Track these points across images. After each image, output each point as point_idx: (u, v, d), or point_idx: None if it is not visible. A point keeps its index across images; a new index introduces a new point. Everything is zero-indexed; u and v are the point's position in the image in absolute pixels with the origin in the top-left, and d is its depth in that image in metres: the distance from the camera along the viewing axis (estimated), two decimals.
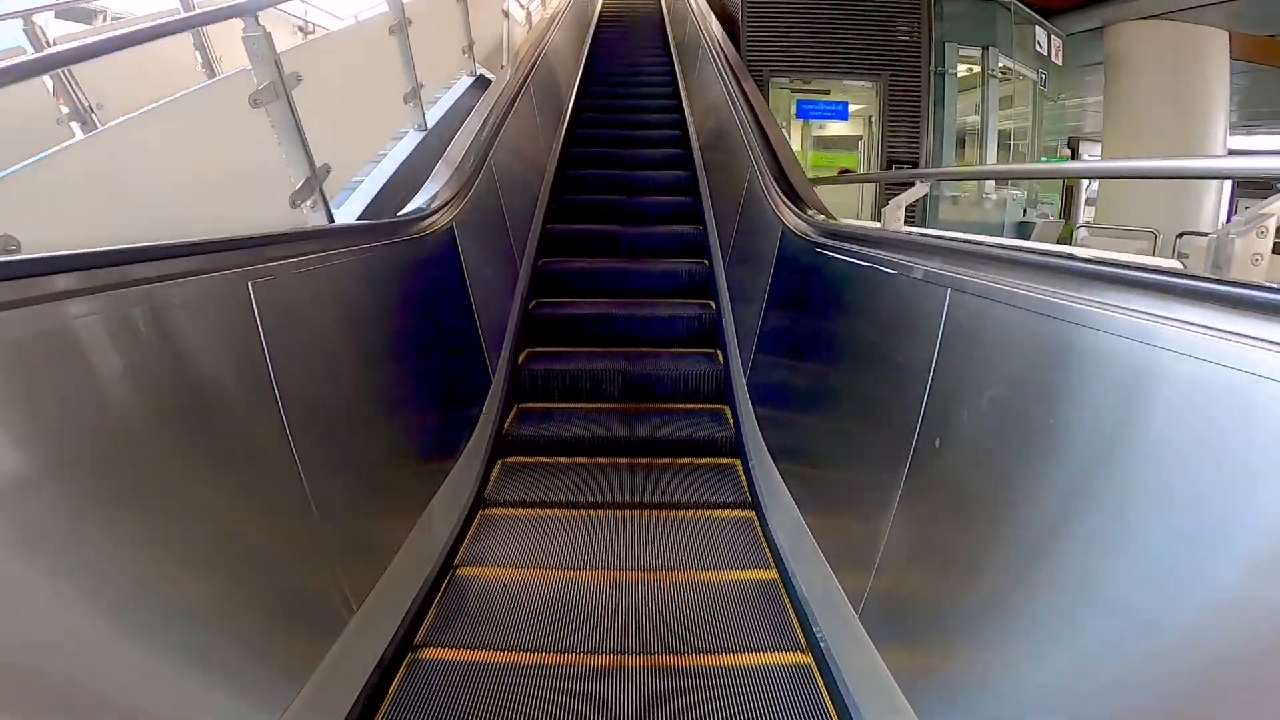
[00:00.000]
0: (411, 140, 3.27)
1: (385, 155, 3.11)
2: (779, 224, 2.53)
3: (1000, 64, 6.28)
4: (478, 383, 2.65)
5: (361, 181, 2.94)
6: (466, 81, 4.27)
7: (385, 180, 2.87)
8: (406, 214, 2.23)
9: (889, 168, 6.00)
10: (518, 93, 3.93)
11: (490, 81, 4.24)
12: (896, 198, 2.31)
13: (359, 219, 2.65)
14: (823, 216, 2.29)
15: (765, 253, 2.69)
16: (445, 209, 2.43)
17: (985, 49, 6.24)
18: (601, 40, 7.90)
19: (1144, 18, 7.49)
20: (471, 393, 2.58)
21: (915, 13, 6.02)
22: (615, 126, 5.49)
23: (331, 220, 2.40)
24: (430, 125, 3.44)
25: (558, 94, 5.42)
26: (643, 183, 4.67)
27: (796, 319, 2.31)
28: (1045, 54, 6.90)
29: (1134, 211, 7.18)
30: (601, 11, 9.13)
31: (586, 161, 4.93)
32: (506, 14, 5.25)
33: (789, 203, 2.51)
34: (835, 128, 8.40)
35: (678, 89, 6.15)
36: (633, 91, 6.29)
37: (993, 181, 6.33)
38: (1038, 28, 6.80)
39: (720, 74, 4.40)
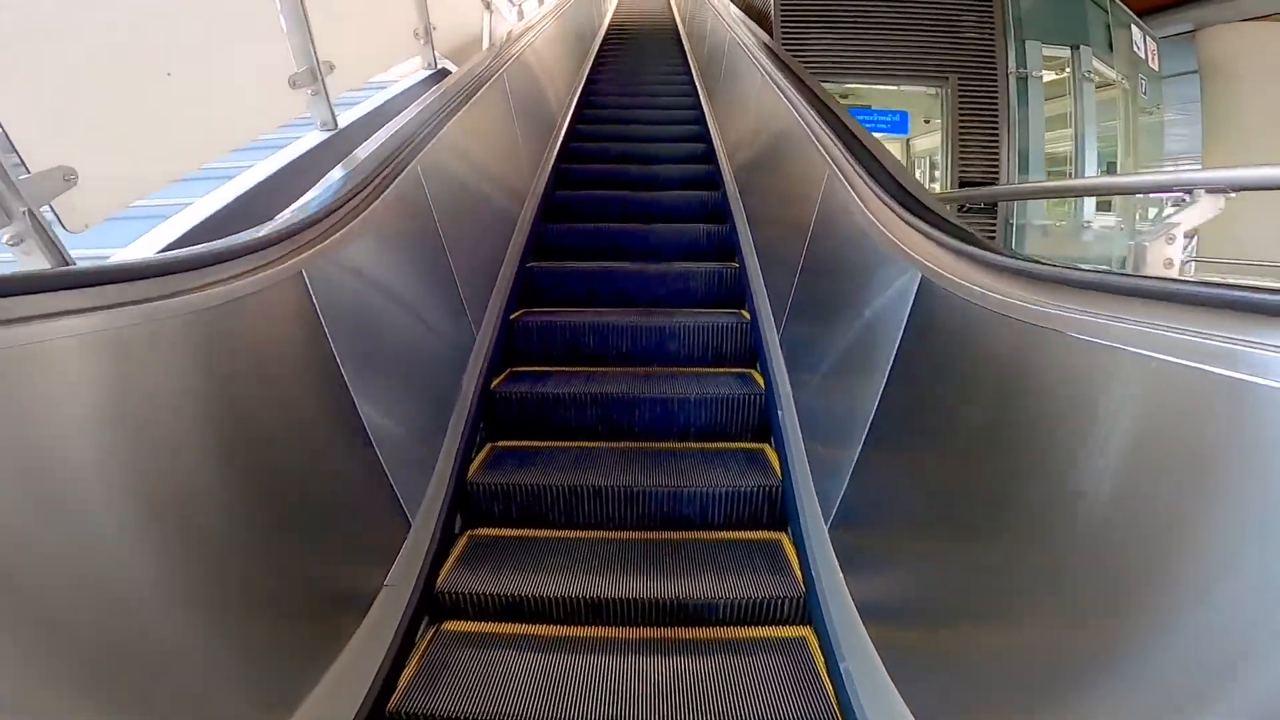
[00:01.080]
0: (307, 144, 2.17)
1: (252, 164, 2.01)
2: (908, 273, 1.36)
3: (1093, 66, 5.15)
4: (358, 575, 1.47)
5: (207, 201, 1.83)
6: (421, 75, 3.21)
7: (230, 200, 1.76)
8: (182, 255, 1.09)
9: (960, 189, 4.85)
10: (485, 82, 2.84)
11: None
12: (1169, 225, 1.13)
13: None
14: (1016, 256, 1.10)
15: (877, 330, 1.51)
16: (284, 246, 1.29)
17: (1075, 49, 5.13)
18: (607, 54, 6.91)
19: (1248, 19, 6.38)
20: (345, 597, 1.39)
21: (987, 4, 4.93)
22: (623, 161, 4.30)
23: (67, 262, 1.28)
24: (346, 124, 2.35)
25: (547, 108, 4.35)
26: (657, 243, 3.27)
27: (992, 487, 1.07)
28: (1142, 57, 5.78)
29: (1240, 242, 5.95)
30: (608, 28, 8.20)
31: (579, 212, 3.58)
32: (488, 4, 4.23)
33: (924, 226, 1.34)
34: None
35: (701, 110, 5.00)
36: (643, 115, 5.19)
37: (1094, 207, 5.14)
38: (1133, 27, 5.69)
39: (758, 65, 3.30)
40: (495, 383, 2.41)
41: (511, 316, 2.71)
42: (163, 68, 1.57)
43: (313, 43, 2.14)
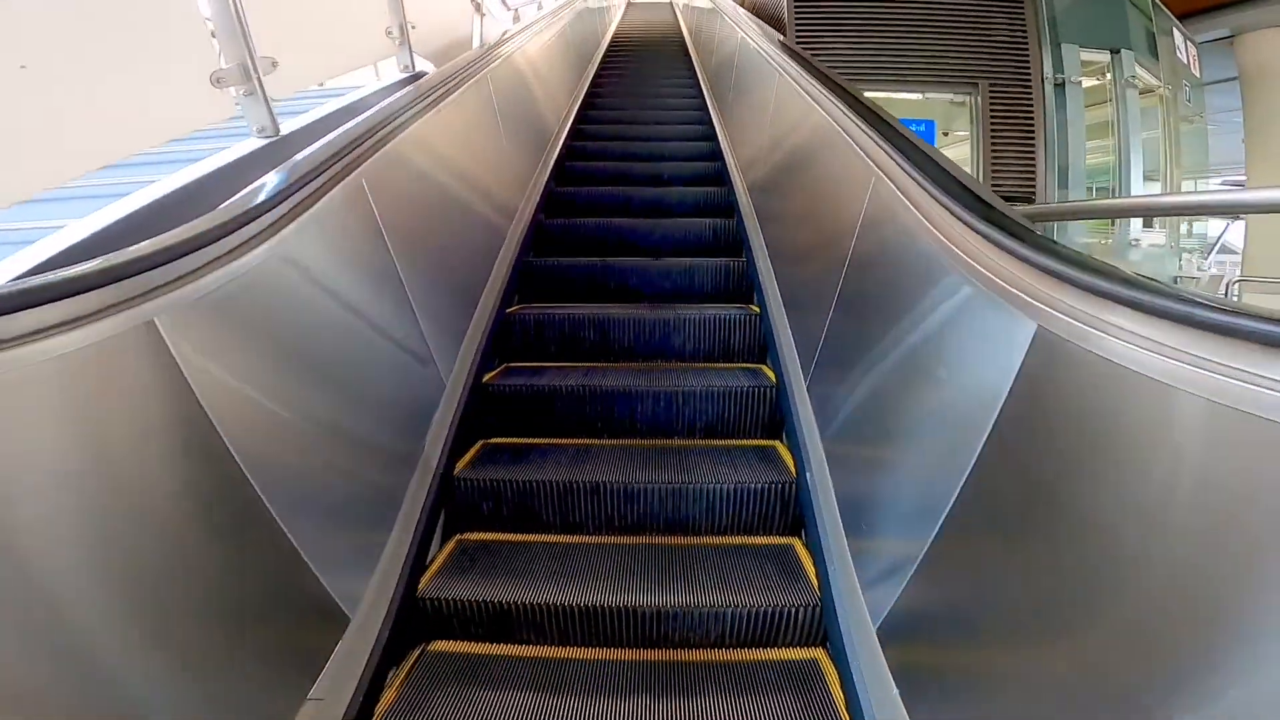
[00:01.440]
0: (233, 154, 1.80)
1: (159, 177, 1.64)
2: (1010, 319, 0.97)
3: (1135, 72, 4.76)
4: None
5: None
6: (395, 77, 2.86)
7: (113, 221, 1.38)
8: None
9: None
10: (465, 83, 2.49)
11: None
12: None
13: None
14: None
15: (958, 384, 1.12)
16: (127, 287, 0.91)
17: (1115, 52, 4.74)
18: (609, 64, 6.58)
19: None
20: None
21: (1018, 4, 4.57)
22: (626, 159, 4.01)
23: None
24: (292, 130, 1.98)
25: (542, 113, 4.00)
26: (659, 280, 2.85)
27: None
28: (1184, 62, 5.39)
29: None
30: (612, 38, 7.89)
31: (577, 226, 3.27)
32: (479, 6, 3.90)
33: (1033, 255, 0.94)
34: None
35: (710, 120, 4.62)
36: (648, 115, 4.85)
37: (1139, 225, 4.73)
38: (1175, 30, 5.30)
39: (776, 65, 2.93)
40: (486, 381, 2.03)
41: (508, 310, 2.52)
42: (13, 58, 1.20)
43: (245, 33, 1.78)
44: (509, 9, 4.79)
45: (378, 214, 1.63)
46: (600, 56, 6.61)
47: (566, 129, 4.21)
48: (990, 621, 0.99)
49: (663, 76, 6.14)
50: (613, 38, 7.79)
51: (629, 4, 10.90)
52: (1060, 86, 4.50)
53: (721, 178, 3.65)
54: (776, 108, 2.89)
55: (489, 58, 2.89)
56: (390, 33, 2.78)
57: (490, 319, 2.40)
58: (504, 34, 3.60)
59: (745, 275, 2.80)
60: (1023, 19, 4.58)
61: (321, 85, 3.64)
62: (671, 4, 10.60)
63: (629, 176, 3.67)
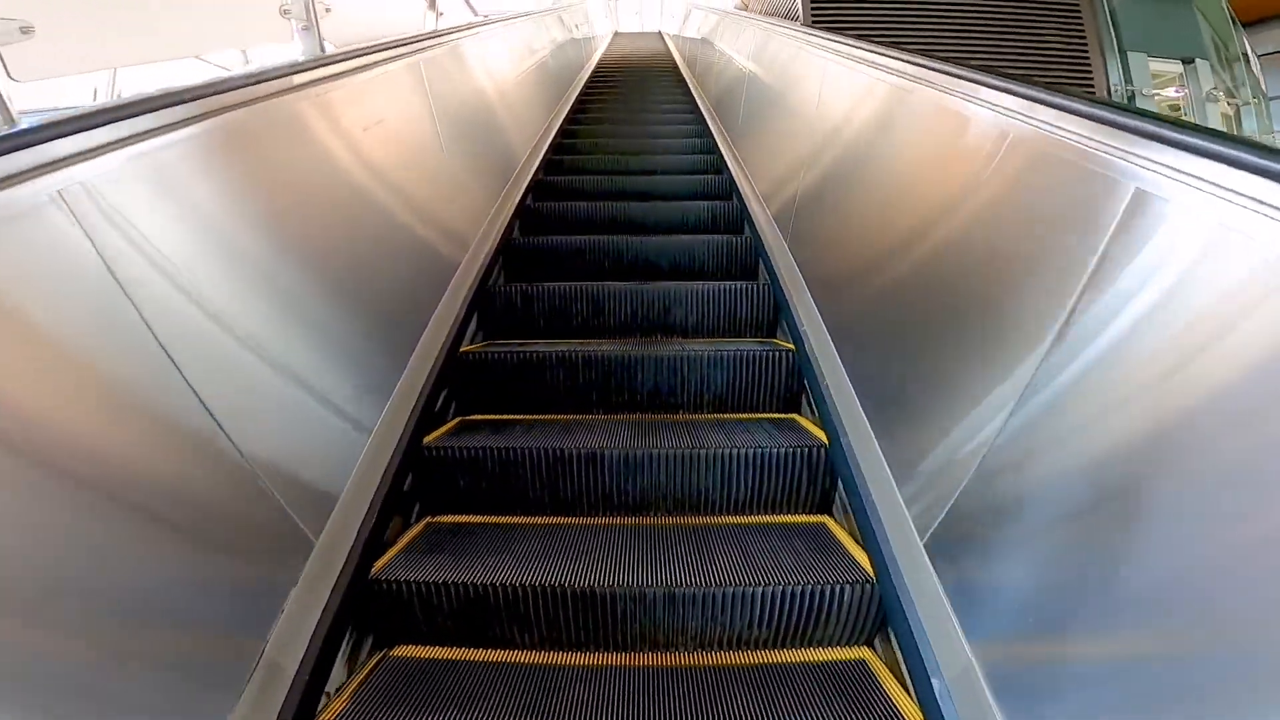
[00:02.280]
0: None
1: None
2: None
3: (1213, 85, 4.08)
4: None
5: None
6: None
7: None
8: None
9: None
10: (374, 65, 1.69)
11: None
12: None
13: None
14: None
15: None
16: None
17: (1188, 63, 4.07)
18: (595, 88, 5.85)
19: None
20: None
21: (1074, 7, 3.90)
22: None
23: None
24: (37, 123, 1.15)
25: (503, 122, 3.21)
26: None
27: None
28: (1257, 74, 4.75)
29: None
30: (597, 65, 7.20)
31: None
32: (433, 2, 3.15)
33: None
34: None
35: (730, 176, 3.38)
36: (645, 140, 4.07)
37: None
38: (1245, 41, 4.68)
39: (825, 52, 2.17)
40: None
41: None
42: None
43: None
44: (476, 16, 4.06)
45: (96, 246, 0.80)
46: (583, 82, 5.89)
47: (546, 145, 3.42)
48: None
49: (655, 103, 5.41)
50: (597, 65, 7.13)
51: (616, 34, 10.51)
52: (1131, 100, 3.80)
53: (754, 266, 2.46)
54: (837, 122, 2.10)
55: (429, 40, 2.11)
56: (285, 11, 1.98)
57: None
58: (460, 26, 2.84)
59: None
60: (1080, 23, 3.91)
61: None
62: (660, 34, 10.15)
63: (617, 259, 2.50)
